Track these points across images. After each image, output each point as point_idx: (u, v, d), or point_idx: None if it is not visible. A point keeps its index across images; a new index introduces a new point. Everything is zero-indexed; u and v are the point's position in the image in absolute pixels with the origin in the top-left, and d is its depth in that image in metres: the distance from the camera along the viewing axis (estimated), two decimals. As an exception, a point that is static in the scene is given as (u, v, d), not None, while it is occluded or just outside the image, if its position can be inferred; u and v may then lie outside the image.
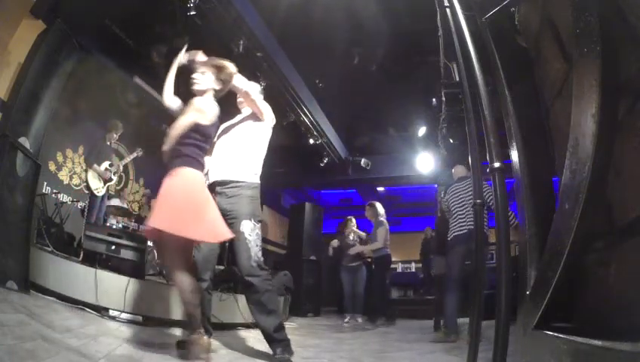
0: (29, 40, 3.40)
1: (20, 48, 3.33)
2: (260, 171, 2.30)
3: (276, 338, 2.02)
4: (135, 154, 5.17)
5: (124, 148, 5.83)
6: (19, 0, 3.33)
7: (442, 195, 3.78)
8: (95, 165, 4.75)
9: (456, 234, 3.44)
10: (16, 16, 3.30)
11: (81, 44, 4.03)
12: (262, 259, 2.10)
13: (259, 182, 2.27)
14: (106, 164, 4.85)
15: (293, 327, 4.03)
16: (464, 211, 3.44)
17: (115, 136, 5.03)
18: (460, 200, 3.53)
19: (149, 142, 5.50)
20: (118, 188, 5.17)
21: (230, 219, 2.11)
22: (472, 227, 3.21)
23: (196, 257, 2.28)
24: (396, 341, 3.55)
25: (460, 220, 3.45)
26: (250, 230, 2.09)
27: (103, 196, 4.80)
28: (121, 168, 5.37)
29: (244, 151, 2.24)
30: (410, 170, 7.96)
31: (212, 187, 2.19)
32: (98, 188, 4.76)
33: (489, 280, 2.45)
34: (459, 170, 3.90)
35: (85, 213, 4.73)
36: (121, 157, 5.40)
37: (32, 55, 3.38)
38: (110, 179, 4.87)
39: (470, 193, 3.41)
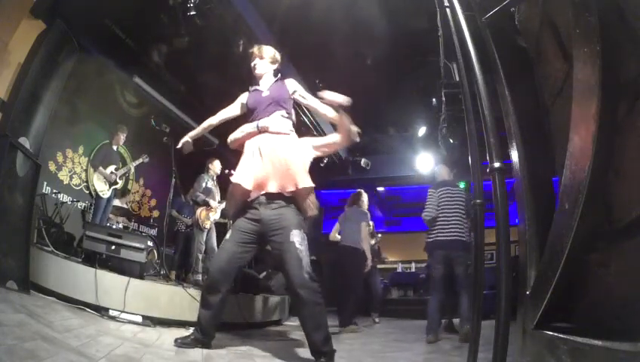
0: (29, 40, 3.40)
1: (20, 48, 3.33)
2: None
3: (322, 351, 1.95)
4: (141, 160, 5.18)
5: (128, 152, 5.85)
6: (19, 0, 3.33)
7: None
8: (101, 168, 4.77)
9: (437, 239, 3.48)
10: (16, 16, 3.30)
11: (81, 44, 4.03)
12: (312, 269, 2.02)
13: None
14: (111, 168, 4.87)
15: (293, 326, 4.03)
16: (452, 218, 3.48)
17: (122, 138, 5.05)
18: (450, 205, 3.55)
19: (149, 143, 5.51)
20: (119, 189, 5.18)
21: (276, 229, 2.05)
22: (452, 238, 3.41)
23: (212, 268, 2.24)
24: (396, 341, 3.56)
25: (441, 227, 3.50)
26: (301, 239, 2.02)
27: (108, 198, 4.82)
28: (130, 173, 5.39)
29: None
30: (410, 170, 7.96)
31: (255, 199, 2.13)
32: (103, 190, 4.77)
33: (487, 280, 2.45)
34: (443, 172, 3.91)
35: (91, 215, 4.76)
36: (125, 163, 5.41)
37: (32, 55, 3.37)
38: (115, 182, 4.88)
39: (457, 201, 3.53)
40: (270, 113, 2.20)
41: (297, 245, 2.00)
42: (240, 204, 2.19)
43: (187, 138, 2.50)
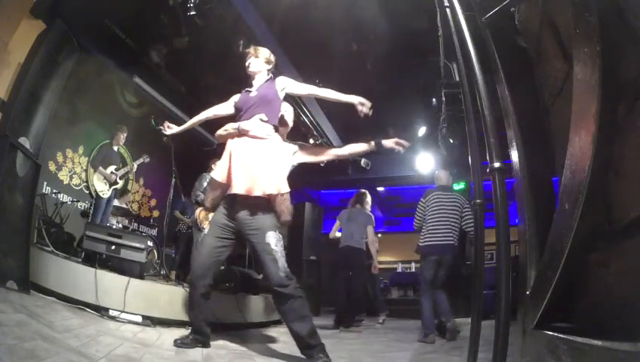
0: (29, 40, 3.40)
1: (20, 48, 3.33)
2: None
3: (311, 344, 1.98)
4: (141, 160, 5.18)
5: (128, 152, 5.84)
6: (19, 0, 3.33)
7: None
8: (101, 168, 4.76)
9: (429, 243, 3.56)
10: (16, 16, 3.30)
11: (81, 44, 4.03)
12: (288, 268, 2.08)
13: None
14: (112, 168, 4.86)
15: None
16: (446, 222, 3.54)
17: (122, 138, 5.04)
18: (442, 210, 3.60)
19: (150, 144, 5.52)
20: (120, 189, 5.18)
21: (252, 230, 2.10)
22: (443, 242, 3.49)
23: (194, 263, 2.28)
24: (396, 341, 3.56)
25: (433, 231, 3.57)
26: (276, 241, 2.07)
27: (108, 198, 4.81)
28: (132, 173, 5.39)
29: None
30: (410, 170, 7.96)
31: (233, 198, 2.16)
32: (103, 190, 4.77)
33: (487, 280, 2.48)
34: (442, 176, 3.93)
35: (90, 215, 4.76)
36: (125, 163, 5.40)
37: (32, 55, 3.38)
38: (116, 183, 4.88)
39: (452, 206, 3.58)
40: (251, 116, 2.23)
41: (273, 246, 2.05)
42: (218, 198, 2.25)
43: (177, 129, 2.57)
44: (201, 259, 2.19)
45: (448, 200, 3.63)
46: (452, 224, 3.54)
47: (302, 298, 2.04)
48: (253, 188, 2.09)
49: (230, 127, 2.29)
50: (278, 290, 2.02)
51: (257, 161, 2.12)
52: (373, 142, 2.33)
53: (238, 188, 2.09)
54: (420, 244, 3.65)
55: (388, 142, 2.33)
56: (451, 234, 3.52)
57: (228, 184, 2.15)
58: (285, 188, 2.13)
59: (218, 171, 2.22)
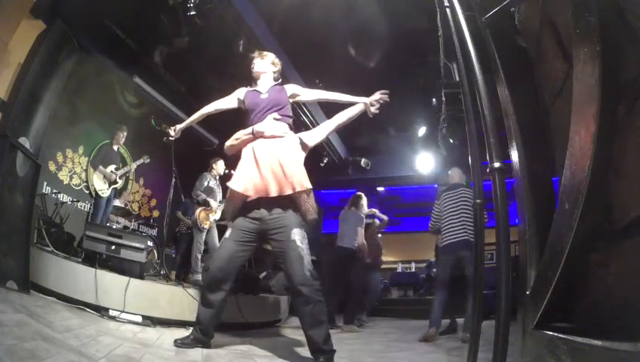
0: (29, 40, 3.40)
1: (20, 48, 3.33)
2: None
3: (323, 349, 1.97)
4: (142, 160, 5.18)
5: (128, 152, 5.84)
6: (19, 0, 3.33)
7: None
8: (101, 166, 4.76)
9: (444, 243, 3.53)
10: (16, 16, 3.30)
11: (81, 44, 4.03)
12: (313, 268, 2.06)
13: None
14: (111, 168, 4.86)
15: (293, 327, 4.03)
16: (457, 220, 3.52)
17: (122, 138, 5.04)
18: (452, 209, 3.60)
19: (150, 144, 5.51)
20: (119, 188, 5.18)
21: (278, 228, 2.09)
22: (458, 239, 3.45)
23: (213, 266, 2.24)
24: (396, 341, 3.56)
25: (452, 229, 3.54)
26: (302, 238, 2.06)
27: (108, 198, 4.81)
28: (130, 173, 5.38)
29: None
30: (410, 170, 7.96)
31: (257, 200, 2.15)
32: (103, 189, 4.76)
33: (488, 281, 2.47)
34: (455, 175, 3.91)
35: (90, 215, 4.75)
36: (125, 162, 5.40)
37: (32, 55, 3.37)
38: (115, 182, 4.88)
39: (462, 202, 3.57)
40: (265, 117, 2.23)
41: (298, 243, 2.04)
42: (239, 204, 2.21)
43: (181, 126, 2.56)
44: (221, 264, 2.16)
45: (457, 197, 3.61)
46: (464, 219, 3.48)
47: (321, 302, 2.02)
48: (277, 188, 2.09)
49: (242, 133, 2.26)
50: (299, 289, 1.99)
51: (279, 160, 2.11)
52: (361, 102, 2.40)
53: (263, 191, 2.09)
54: (439, 246, 3.67)
55: (374, 96, 2.41)
56: (464, 231, 3.45)
57: (253, 191, 2.12)
58: (308, 184, 2.12)
59: (240, 183, 2.16)
